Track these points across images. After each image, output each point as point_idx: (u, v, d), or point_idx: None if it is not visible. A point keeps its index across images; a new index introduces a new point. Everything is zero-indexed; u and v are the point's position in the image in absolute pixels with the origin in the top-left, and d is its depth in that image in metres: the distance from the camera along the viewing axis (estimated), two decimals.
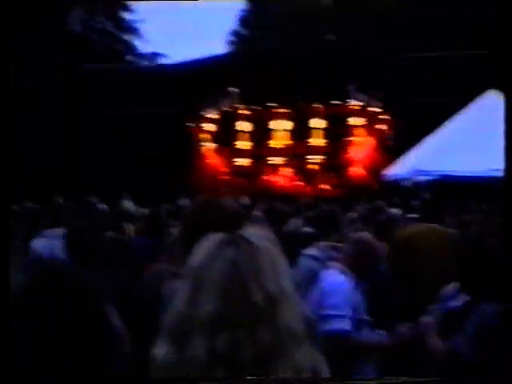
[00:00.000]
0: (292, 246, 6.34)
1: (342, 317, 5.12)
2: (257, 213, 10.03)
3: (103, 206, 18.59)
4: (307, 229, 8.00)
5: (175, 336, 2.26)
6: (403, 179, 18.38)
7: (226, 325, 2.18)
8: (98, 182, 23.76)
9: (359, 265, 5.39)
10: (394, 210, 11.19)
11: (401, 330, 4.76)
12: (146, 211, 13.28)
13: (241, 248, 2.26)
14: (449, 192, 16.01)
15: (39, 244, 6.44)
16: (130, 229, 10.28)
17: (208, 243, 2.33)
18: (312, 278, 5.65)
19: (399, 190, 18.59)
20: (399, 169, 19.73)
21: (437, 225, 8.57)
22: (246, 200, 20.95)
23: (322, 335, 4.98)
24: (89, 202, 18.35)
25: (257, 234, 2.35)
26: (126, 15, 40.63)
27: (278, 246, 2.34)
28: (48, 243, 6.14)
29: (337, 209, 7.63)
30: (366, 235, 5.86)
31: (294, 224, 9.68)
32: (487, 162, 15.99)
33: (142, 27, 41.14)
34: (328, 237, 6.67)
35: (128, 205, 20.28)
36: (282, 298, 2.24)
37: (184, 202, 19.73)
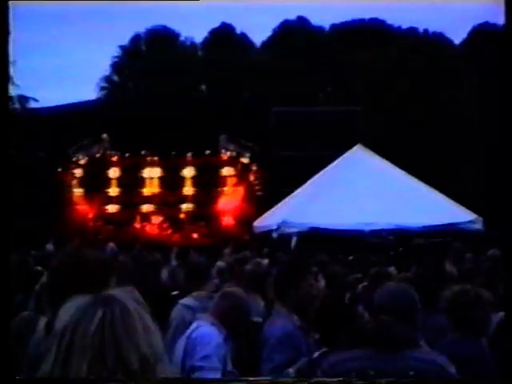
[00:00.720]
0: (164, 297, 6.31)
1: (213, 368, 5.12)
2: (126, 261, 9.92)
3: None
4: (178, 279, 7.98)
5: None
6: (272, 230, 18.57)
7: None
8: None
9: (228, 318, 5.40)
10: (264, 261, 11.29)
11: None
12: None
13: (113, 309, 2.23)
14: (316, 244, 16.27)
15: None
16: None
17: (78, 304, 2.29)
18: (185, 327, 5.65)
19: (268, 241, 18.76)
20: (268, 220, 19.95)
21: None
22: (114, 247, 20.70)
23: None
24: None
25: (125, 294, 2.32)
26: None
27: (144, 306, 2.34)
28: None
29: (204, 260, 7.66)
30: (237, 290, 5.88)
31: (165, 273, 9.63)
32: (354, 216, 16.39)
33: (11, 69, 40.38)
34: (197, 287, 6.67)
35: None
36: (155, 358, 2.23)
37: (51, 247, 19.33)
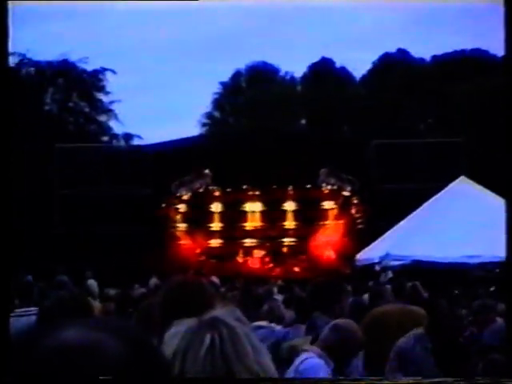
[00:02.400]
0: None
1: None
2: (231, 295, 10.01)
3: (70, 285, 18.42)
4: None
5: None
6: (375, 263, 18.42)
7: None
8: (67, 261, 23.59)
9: (338, 352, 5.37)
10: (365, 296, 11.21)
11: None
12: (111, 291, 13.15)
13: (220, 332, 2.22)
14: (420, 277, 16.07)
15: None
16: (97, 308, 10.21)
17: (185, 328, 2.30)
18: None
19: (371, 275, 18.62)
20: (371, 253, 19.79)
21: (407, 305, 8.65)
22: (217, 281, 20.87)
23: None
24: (59, 281, 18.18)
25: (228, 314, 2.32)
26: (101, 96, 40.99)
27: (249, 326, 2.34)
28: (15, 321, 6.05)
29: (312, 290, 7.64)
30: (350, 322, 5.84)
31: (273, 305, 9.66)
32: (458, 248, 16.12)
33: (117, 108, 41.47)
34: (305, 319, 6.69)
35: (91, 284, 20.10)
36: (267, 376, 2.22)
37: (156, 282, 19.62)
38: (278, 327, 6.40)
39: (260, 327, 6.45)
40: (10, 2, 3.89)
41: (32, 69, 38.53)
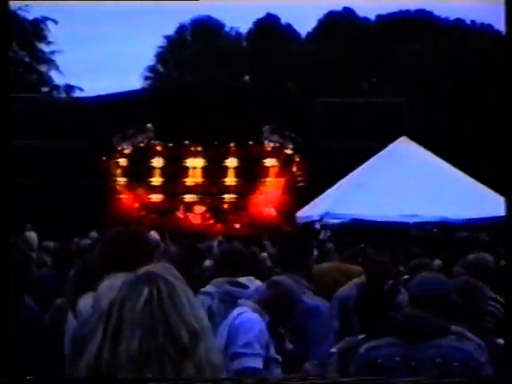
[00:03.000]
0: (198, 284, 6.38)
1: (254, 355, 5.10)
2: (170, 249, 9.96)
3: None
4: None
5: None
6: (315, 221, 18.51)
7: (152, 362, 2.17)
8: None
9: (273, 307, 5.37)
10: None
11: (306, 368, 5.19)
12: (51, 244, 13.03)
13: (158, 285, 2.26)
14: (359, 235, 16.19)
15: None
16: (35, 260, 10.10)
17: (123, 281, 2.32)
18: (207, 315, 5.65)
19: (311, 233, 18.72)
20: (311, 211, 19.89)
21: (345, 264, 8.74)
22: (157, 236, 20.80)
23: (234, 373, 4.96)
24: None
25: (165, 270, 2.34)
26: (43, 46, 40.23)
27: (183, 282, 2.36)
28: None
29: (241, 247, 7.59)
30: (285, 279, 5.85)
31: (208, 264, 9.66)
32: (397, 207, 16.27)
33: (59, 59, 40.76)
34: (235, 275, 6.65)
35: (31, 236, 19.89)
36: (203, 332, 2.27)
37: (95, 235, 19.49)
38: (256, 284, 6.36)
39: (235, 283, 6.40)
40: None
41: None
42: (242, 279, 6.42)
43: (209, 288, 6.51)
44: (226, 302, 6.19)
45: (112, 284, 2.35)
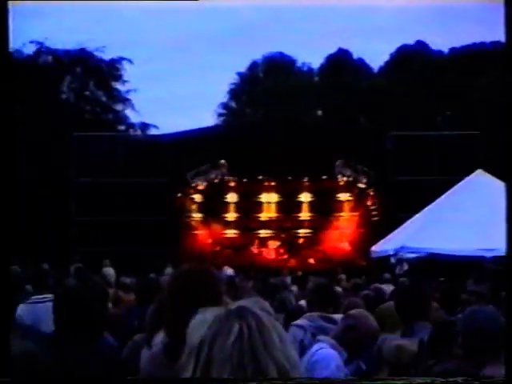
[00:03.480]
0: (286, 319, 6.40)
1: None
2: (246, 285, 10.02)
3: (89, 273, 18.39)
4: (301, 302, 7.97)
5: None
6: (390, 255, 18.37)
7: None
8: (82, 249, 23.69)
9: (351, 341, 5.36)
10: (384, 286, 11.18)
11: None
12: (128, 280, 13.18)
13: (248, 322, 2.24)
14: (436, 270, 16.02)
15: (23, 309, 6.37)
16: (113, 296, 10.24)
17: (211, 317, 2.30)
18: (298, 348, 5.68)
19: (386, 267, 18.57)
20: (386, 245, 19.74)
21: None
22: (231, 271, 20.90)
23: None
24: (76, 269, 18.24)
25: (255, 305, 2.33)
26: (118, 85, 41.00)
27: (275, 317, 2.35)
28: (32, 307, 6.08)
29: (329, 283, 7.63)
30: (361, 312, 5.84)
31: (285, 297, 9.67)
32: (474, 242, 16.05)
33: (134, 97, 41.48)
34: (323, 310, 6.67)
35: (109, 272, 20.13)
36: (292, 369, 2.24)
37: (170, 272, 19.64)
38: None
39: (328, 319, 6.42)
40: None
41: (50, 57, 38.55)
42: (336, 316, 6.43)
43: (302, 321, 6.54)
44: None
45: (203, 319, 2.36)
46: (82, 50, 38.56)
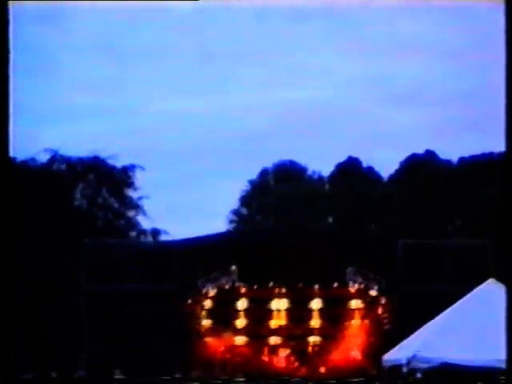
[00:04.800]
0: None
1: None
2: None
3: None
4: None
5: None
6: (402, 365, 18.17)
7: None
8: (93, 355, 23.58)
9: None
10: None
11: None
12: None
13: None
14: (449, 380, 15.86)
15: None
16: None
17: None
18: None
19: (398, 376, 18.36)
20: (398, 354, 19.55)
21: None
22: (242, 380, 20.70)
23: None
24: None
25: None
26: (130, 192, 41.48)
27: None
28: None
29: None
30: None
31: None
32: (487, 352, 15.91)
33: (146, 203, 41.88)
34: None
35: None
36: None
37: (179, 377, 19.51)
38: None
39: None
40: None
41: (63, 165, 39.21)
42: None
43: None
44: None
45: None
46: (96, 158, 39.22)
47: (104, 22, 60.02)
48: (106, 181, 40.48)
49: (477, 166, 45.39)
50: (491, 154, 47.75)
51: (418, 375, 17.37)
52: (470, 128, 63.43)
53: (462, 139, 56.37)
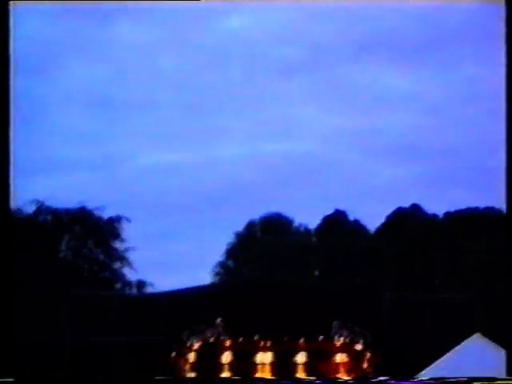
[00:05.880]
0: None
1: None
2: None
3: None
4: None
5: None
6: None
7: None
8: None
9: None
10: None
11: None
12: None
13: None
14: None
15: None
16: None
17: None
18: None
19: None
20: None
21: None
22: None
23: None
24: None
25: None
26: (116, 243, 41.39)
27: None
28: None
29: None
30: None
31: None
32: None
33: (131, 255, 41.77)
34: None
35: None
36: None
37: None
38: None
39: None
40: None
41: (49, 216, 39.16)
42: None
43: None
44: None
45: None
46: (82, 209, 39.20)
47: (92, 73, 60.40)
48: (92, 232, 40.40)
49: (462, 220, 45.59)
50: (476, 209, 48.04)
51: None
52: (455, 182, 63.82)
53: (448, 193, 56.58)
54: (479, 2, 31.44)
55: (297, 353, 29.51)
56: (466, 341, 19.87)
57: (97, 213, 39.73)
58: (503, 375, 16.73)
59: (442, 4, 47.70)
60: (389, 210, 52.29)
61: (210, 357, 29.13)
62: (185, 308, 27.92)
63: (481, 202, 48.66)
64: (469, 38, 62.20)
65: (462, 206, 48.81)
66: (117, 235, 41.06)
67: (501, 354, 18.83)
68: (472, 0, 36.62)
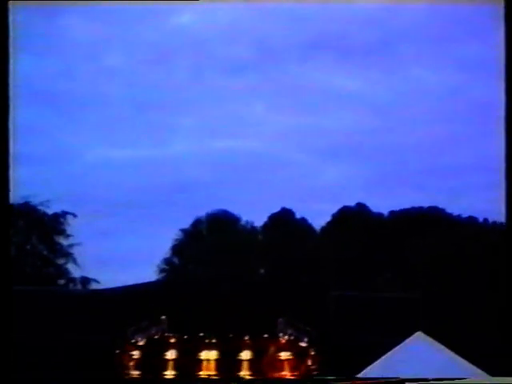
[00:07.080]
0: None
1: None
2: None
3: None
4: None
5: None
6: None
7: None
8: None
9: None
10: None
11: None
12: None
13: None
14: None
15: None
16: None
17: None
18: None
19: None
20: None
21: None
22: None
23: None
24: None
25: None
26: (61, 239, 41.01)
27: None
28: None
29: None
30: None
31: None
32: None
33: (76, 251, 41.44)
34: None
35: None
36: None
37: None
38: None
39: None
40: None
41: None
42: None
43: None
44: None
45: None
46: (26, 204, 38.73)
47: (40, 67, 59.67)
48: (36, 227, 39.96)
49: (406, 220, 46.12)
50: (420, 208, 48.62)
51: None
52: (400, 182, 64.50)
53: (393, 193, 57.16)
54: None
55: (242, 350, 29.56)
56: (407, 339, 20.05)
57: (41, 208, 39.33)
58: (445, 373, 16.99)
59: (389, 5, 48.24)
60: (335, 208, 52.71)
61: (154, 353, 29.02)
62: (130, 305, 27.74)
63: (425, 202, 49.35)
64: (415, 39, 63.10)
65: (407, 205, 49.45)
66: (61, 231, 40.69)
67: (443, 352, 19.12)
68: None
